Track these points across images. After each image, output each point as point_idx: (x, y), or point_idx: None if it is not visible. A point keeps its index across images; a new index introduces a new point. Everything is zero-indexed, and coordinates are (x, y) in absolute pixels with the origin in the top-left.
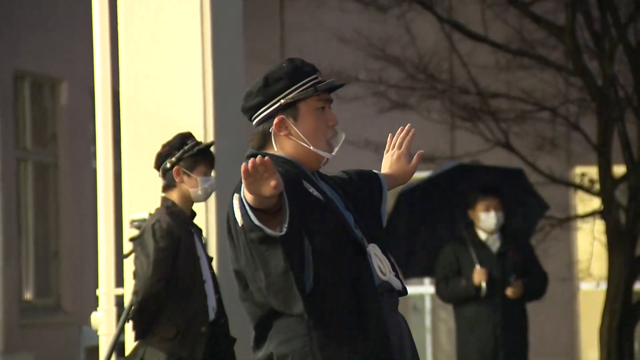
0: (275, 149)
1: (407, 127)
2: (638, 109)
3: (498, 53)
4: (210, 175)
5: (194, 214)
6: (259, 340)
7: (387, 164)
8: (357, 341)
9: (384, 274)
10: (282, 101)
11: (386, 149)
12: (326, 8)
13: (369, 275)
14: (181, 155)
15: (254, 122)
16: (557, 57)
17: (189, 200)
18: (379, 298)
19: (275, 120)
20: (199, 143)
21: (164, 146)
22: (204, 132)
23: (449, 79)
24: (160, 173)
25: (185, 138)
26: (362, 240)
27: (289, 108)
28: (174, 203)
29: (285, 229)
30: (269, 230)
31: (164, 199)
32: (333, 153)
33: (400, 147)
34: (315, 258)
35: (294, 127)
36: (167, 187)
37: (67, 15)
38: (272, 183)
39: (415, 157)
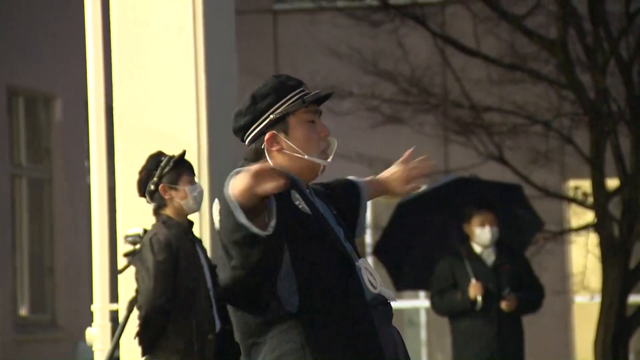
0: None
1: (430, 162)
2: (630, 122)
3: (491, 67)
4: (195, 183)
5: (191, 224)
6: (250, 354)
7: (389, 174)
8: (351, 355)
9: (375, 287)
10: (271, 116)
11: (401, 159)
12: (319, 23)
13: (359, 289)
14: (161, 172)
15: (247, 142)
16: (549, 71)
17: (182, 213)
18: (372, 311)
19: (267, 136)
20: (172, 156)
21: (140, 172)
22: (197, 147)
23: (442, 93)
24: (147, 197)
25: (157, 157)
26: (352, 253)
27: (279, 123)
28: (169, 217)
29: (271, 229)
30: (254, 229)
31: (159, 215)
32: (329, 160)
33: (412, 170)
34: (299, 271)
35: (286, 140)
36: (158, 209)
37: (60, 32)
38: (281, 181)
39: (413, 184)
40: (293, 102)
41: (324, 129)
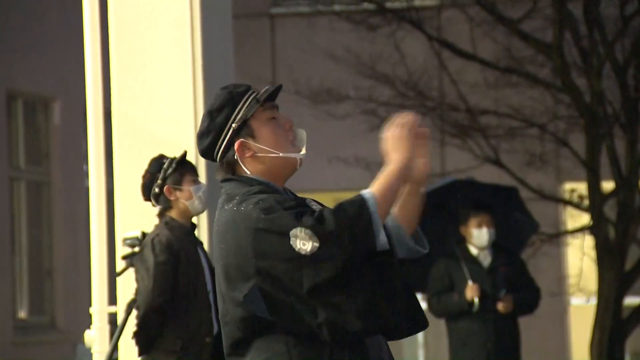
0: (248, 172)
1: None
2: (626, 125)
3: (487, 70)
4: (199, 183)
5: (194, 226)
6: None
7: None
8: (336, 358)
9: None
10: (233, 125)
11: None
12: (316, 27)
13: None
14: (164, 174)
15: (218, 159)
16: (545, 74)
17: (187, 215)
18: None
19: (236, 146)
20: (174, 158)
21: (144, 176)
22: (195, 151)
23: (438, 96)
24: (152, 201)
25: (159, 159)
26: None
27: (243, 129)
28: (172, 218)
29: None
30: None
31: (163, 215)
32: (303, 151)
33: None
34: None
35: (255, 144)
36: (163, 211)
37: (59, 35)
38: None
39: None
40: (248, 105)
41: (287, 121)
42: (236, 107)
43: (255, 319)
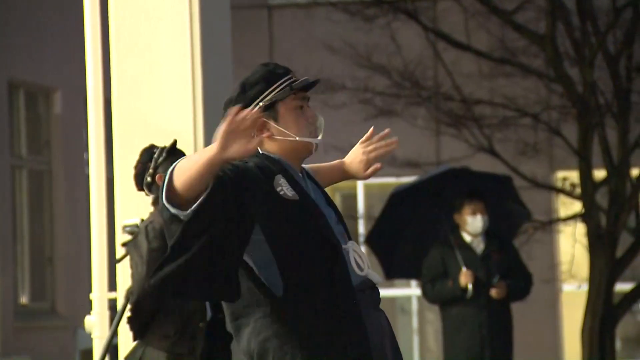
0: (260, 151)
1: (391, 138)
2: (617, 114)
3: (481, 61)
4: None
5: None
6: (238, 334)
7: (351, 157)
8: (335, 339)
9: (362, 270)
10: (260, 104)
11: (363, 139)
12: (314, 18)
13: (345, 273)
14: (155, 163)
15: None
16: (538, 65)
17: None
18: (358, 296)
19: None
20: (164, 147)
21: (135, 167)
22: (194, 139)
23: (433, 86)
24: (145, 190)
25: (150, 149)
26: (343, 235)
27: (269, 110)
28: None
29: (190, 213)
30: (173, 210)
31: (158, 203)
32: (319, 137)
33: (371, 152)
34: (279, 257)
35: (276, 126)
36: (157, 199)
37: (60, 26)
38: (251, 145)
39: (371, 168)
40: (282, 89)
41: (312, 114)
42: (269, 87)
43: (256, 290)
